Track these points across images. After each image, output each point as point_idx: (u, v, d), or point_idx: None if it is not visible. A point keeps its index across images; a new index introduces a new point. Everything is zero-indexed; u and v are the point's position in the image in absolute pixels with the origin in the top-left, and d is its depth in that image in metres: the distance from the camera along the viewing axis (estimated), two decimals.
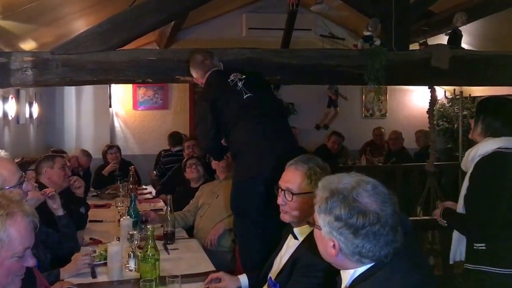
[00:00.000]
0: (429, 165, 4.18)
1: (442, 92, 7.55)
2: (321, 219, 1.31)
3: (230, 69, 2.96)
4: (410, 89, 7.71)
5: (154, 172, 5.83)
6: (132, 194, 2.98)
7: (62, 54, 2.96)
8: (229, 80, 2.81)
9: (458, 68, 3.59)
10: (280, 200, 1.96)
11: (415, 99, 7.77)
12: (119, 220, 3.28)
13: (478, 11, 4.30)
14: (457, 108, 6.90)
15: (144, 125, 6.96)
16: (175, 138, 5.78)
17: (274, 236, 2.29)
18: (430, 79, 3.78)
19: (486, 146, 2.18)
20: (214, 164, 3.59)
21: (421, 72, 3.62)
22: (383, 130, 7.27)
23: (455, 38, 3.76)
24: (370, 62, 3.48)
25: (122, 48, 3.10)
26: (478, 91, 7.06)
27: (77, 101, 6.33)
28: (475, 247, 2.21)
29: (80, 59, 3.00)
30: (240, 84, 2.78)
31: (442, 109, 7.89)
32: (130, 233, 2.72)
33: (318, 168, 1.91)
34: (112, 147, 5.39)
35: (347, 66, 3.50)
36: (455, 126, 7.08)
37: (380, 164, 6.74)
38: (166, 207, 3.08)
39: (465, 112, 6.71)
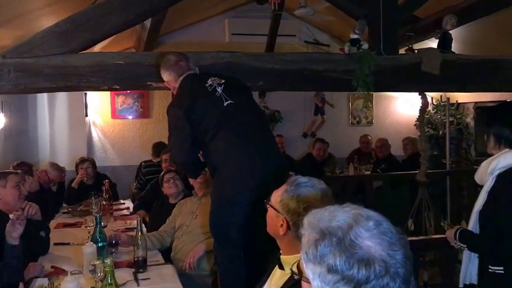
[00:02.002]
0: (420, 175, 3.85)
1: (428, 98, 7.30)
2: (309, 269, 0.92)
3: (207, 74, 2.59)
4: (395, 96, 7.48)
5: (134, 184, 5.41)
6: (97, 216, 2.57)
7: (15, 58, 2.55)
8: (207, 85, 2.44)
9: (449, 73, 3.29)
10: None
11: (401, 106, 7.55)
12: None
13: (464, 16, 4.02)
14: (443, 115, 6.65)
15: (123, 134, 6.50)
16: (158, 148, 5.39)
17: (259, 263, 1.96)
18: (420, 85, 3.46)
19: (509, 158, 1.91)
20: (192, 180, 3.21)
21: (411, 78, 3.31)
22: (369, 137, 7.03)
23: (445, 41, 3.47)
24: (358, 67, 3.15)
25: (85, 51, 2.71)
26: (463, 97, 6.83)
27: (50, 110, 5.82)
28: (490, 270, 1.91)
29: (36, 63, 2.60)
30: (219, 89, 2.40)
31: (427, 116, 7.66)
32: (93, 263, 2.29)
33: (295, 190, 1.56)
34: (84, 160, 4.90)
35: (334, 71, 3.17)
36: (440, 132, 6.85)
37: (368, 172, 6.46)
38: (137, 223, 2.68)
39: (451, 119, 6.47)
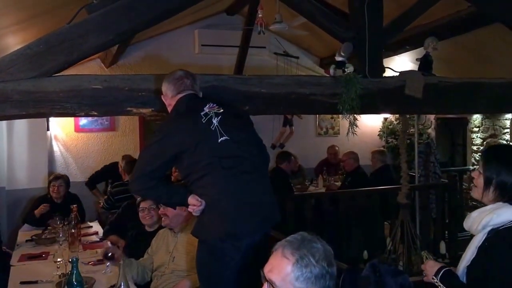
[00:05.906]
0: (401, 197, 3.76)
1: None
2: None
3: (206, 98, 2.35)
4: None
5: (101, 203, 5.03)
6: (74, 258, 2.27)
7: None
8: (202, 114, 2.17)
9: (431, 96, 3.24)
10: None
11: (364, 117, 7.57)
12: (58, 284, 2.59)
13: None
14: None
15: (87, 148, 6.09)
16: (130, 166, 5.02)
17: None
18: (404, 108, 3.39)
19: (504, 215, 1.71)
20: (162, 213, 2.92)
21: (396, 101, 3.23)
22: (337, 148, 7.02)
23: (427, 63, 3.43)
24: (344, 91, 3.04)
25: (58, 75, 2.40)
26: None
27: (8, 124, 5.33)
28: None
29: (4, 88, 2.26)
30: (215, 121, 2.14)
31: (391, 127, 7.73)
32: None
33: (312, 258, 1.36)
34: (57, 178, 4.48)
35: (321, 94, 3.03)
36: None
37: (338, 183, 6.40)
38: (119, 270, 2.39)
39: (412, 130, 6.52)
